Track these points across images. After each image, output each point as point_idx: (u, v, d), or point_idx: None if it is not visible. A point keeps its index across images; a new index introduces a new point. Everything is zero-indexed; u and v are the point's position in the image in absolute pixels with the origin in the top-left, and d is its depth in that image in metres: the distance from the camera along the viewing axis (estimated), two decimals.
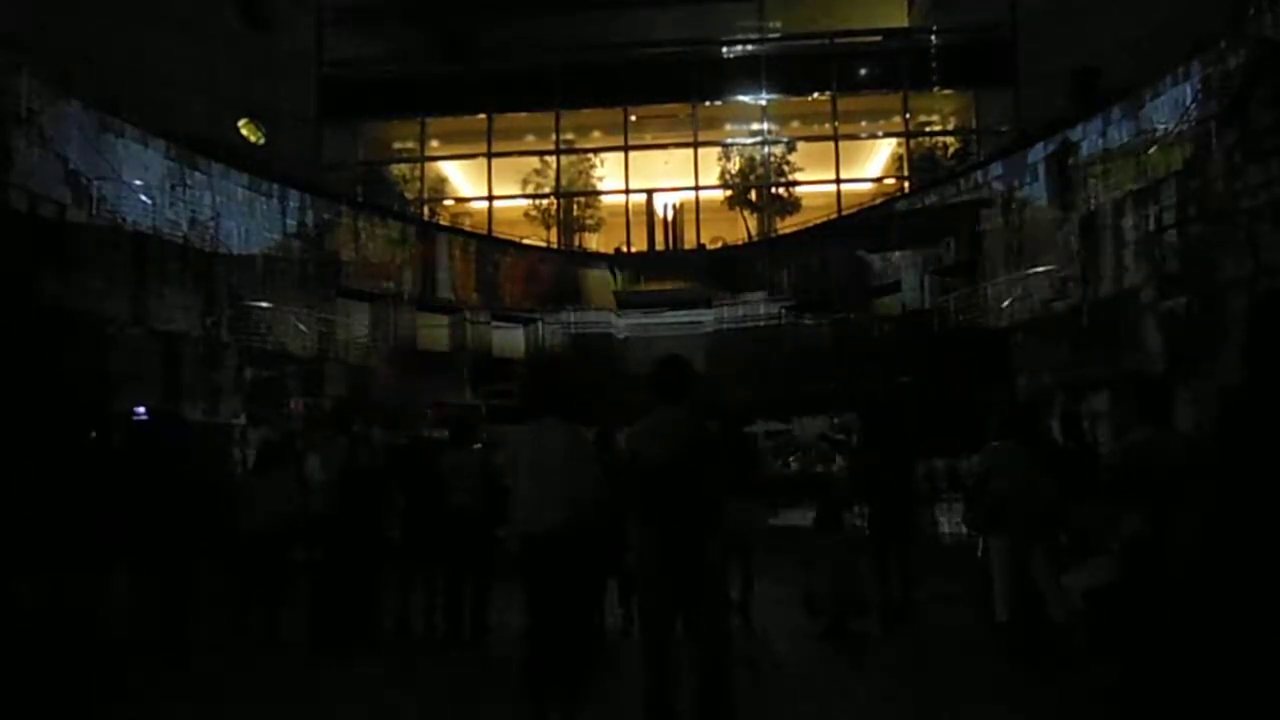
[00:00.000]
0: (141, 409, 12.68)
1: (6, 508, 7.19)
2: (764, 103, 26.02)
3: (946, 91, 25.42)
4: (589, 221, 26.69)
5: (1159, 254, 12.95)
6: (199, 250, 15.37)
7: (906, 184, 24.68)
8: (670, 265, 23.60)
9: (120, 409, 12.47)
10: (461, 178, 27.82)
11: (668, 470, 3.95)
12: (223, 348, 15.50)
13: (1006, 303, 16.51)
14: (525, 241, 24.06)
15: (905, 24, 26.60)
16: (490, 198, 26.36)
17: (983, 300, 17.24)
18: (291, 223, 17.64)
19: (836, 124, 25.63)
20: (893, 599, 7.03)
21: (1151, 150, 13.28)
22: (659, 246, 25.04)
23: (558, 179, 26.29)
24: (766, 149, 26.09)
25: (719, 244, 24.43)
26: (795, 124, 26.87)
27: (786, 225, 25.09)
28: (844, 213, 23.30)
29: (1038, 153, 16.13)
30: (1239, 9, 11.96)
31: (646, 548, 4.00)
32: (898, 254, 19.62)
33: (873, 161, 27.48)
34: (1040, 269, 15.65)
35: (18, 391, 10.10)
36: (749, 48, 26.24)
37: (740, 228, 25.89)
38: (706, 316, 22.20)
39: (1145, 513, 4.70)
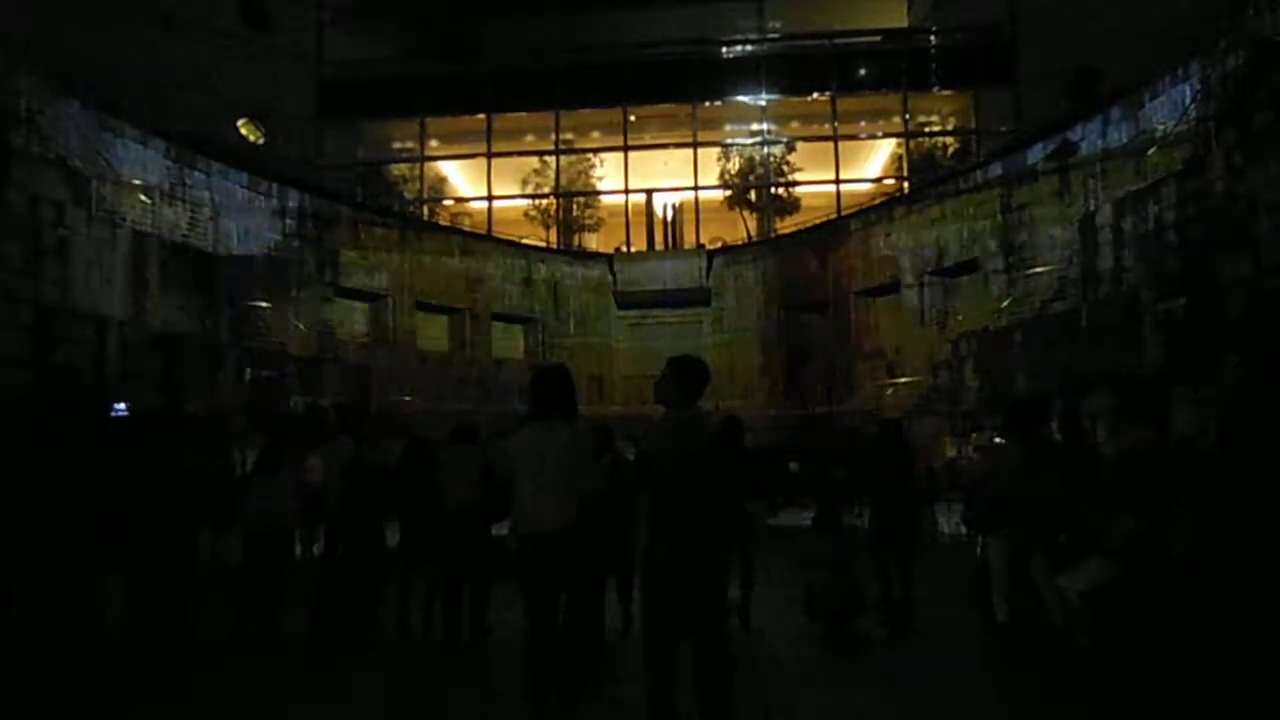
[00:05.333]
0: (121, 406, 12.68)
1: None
2: (764, 103, 26.02)
3: (946, 92, 25.42)
4: (588, 221, 26.69)
5: (1157, 254, 12.97)
6: (198, 249, 15.38)
7: (906, 184, 24.69)
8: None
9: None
10: (461, 177, 27.84)
11: (685, 472, 3.93)
12: (221, 347, 15.52)
13: (1006, 302, 16.53)
14: (525, 241, 24.07)
15: (905, 24, 26.59)
16: (490, 197, 26.36)
17: None
18: (291, 223, 17.64)
19: (836, 124, 25.62)
20: (895, 599, 7.01)
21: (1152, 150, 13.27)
22: (659, 246, 25.04)
23: (557, 179, 26.29)
24: (766, 149, 26.09)
25: (719, 244, 24.43)
26: (795, 124, 26.87)
27: (786, 225, 25.10)
28: (843, 213, 23.30)
29: (1037, 153, 16.14)
30: (1239, 9, 11.97)
31: (658, 548, 3.99)
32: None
33: (872, 161, 27.49)
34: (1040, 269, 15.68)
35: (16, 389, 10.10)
36: (749, 48, 26.24)
37: (740, 228, 25.90)
38: None
39: (1143, 513, 4.70)
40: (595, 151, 26.66)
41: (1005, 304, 16.52)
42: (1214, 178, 11.97)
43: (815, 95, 25.66)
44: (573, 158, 26.61)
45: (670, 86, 25.44)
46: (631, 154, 26.09)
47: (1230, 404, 3.22)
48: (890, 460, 7.36)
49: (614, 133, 26.31)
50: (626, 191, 25.88)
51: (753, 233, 25.56)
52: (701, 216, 25.51)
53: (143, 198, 14.29)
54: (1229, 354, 9.95)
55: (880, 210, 20.82)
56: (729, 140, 26.44)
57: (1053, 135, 15.76)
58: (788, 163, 26.07)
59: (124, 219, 13.86)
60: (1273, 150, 10.86)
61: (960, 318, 18.09)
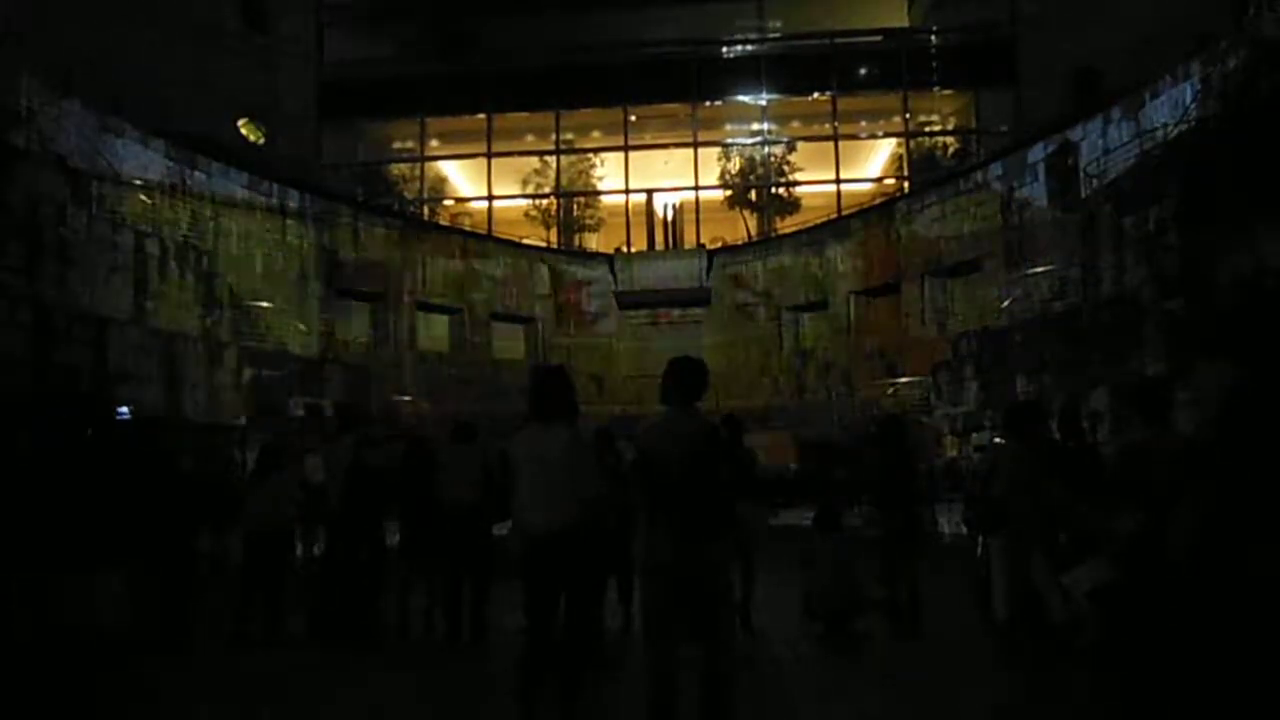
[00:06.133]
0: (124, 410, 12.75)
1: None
2: (764, 103, 26.02)
3: (946, 91, 25.41)
4: (589, 221, 26.68)
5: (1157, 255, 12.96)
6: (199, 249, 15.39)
7: (906, 184, 24.69)
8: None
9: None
10: (461, 177, 27.83)
11: (685, 472, 3.93)
12: (221, 347, 15.52)
13: (1006, 302, 16.53)
14: (525, 241, 24.07)
15: (905, 24, 26.58)
16: (490, 197, 26.36)
17: None
18: (291, 222, 17.64)
19: (836, 124, 25.62)
20: (903, 600, 6.96)
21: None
22: (659, 246, 25.04)
23: (557, 179, 26.29)
24: (766, 149, 26.09)
25: (719, 244, 24.43)
26: (795, 124, 26.87)
27: (786, 225, 25.10)
28: (844, 212, 23.30)
29: (1037, 153, 16.14)
30: (1239, 9, 11.97)
31: (658, 550, 3.98)
32: None
33: (873, 161, 27.48)
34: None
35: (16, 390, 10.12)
36: (749, 48, 26.24)
37: (740, 228, 25.90)
38: None
39: (1143, 513, 4.71)
40: (595, 151, 26.65)
41: (1005, 304, 16.51)
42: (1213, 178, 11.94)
43: (815, 95, 25.66)
44: (573, 158, 26.60)
45: (670, 86, 25.44)
46: (632, 154, 26.08)
47: (1224, 401, 3.23)
48: (891, 458, 7.33)
49: (614, 133, 26.31)
50: (627, 191, 25.87)
51: (753, 232, 25.56)
52: (701, 216, 25.49)
53: None
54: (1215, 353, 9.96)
55: (880, 210, 20.83)
56: (729, 140, 26.43)
57: (1053, 135, 15.76)
58: (788, 162, 26.06)
59: None
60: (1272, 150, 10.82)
61: (960, 317, 18.10)
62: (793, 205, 26.02)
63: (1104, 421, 12.88)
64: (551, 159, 26.32)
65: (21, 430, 9.01)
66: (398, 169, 26.82)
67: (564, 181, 26.31)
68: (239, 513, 7.44)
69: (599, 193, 26.55)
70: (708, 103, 26.21)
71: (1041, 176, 15.87)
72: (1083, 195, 14.83)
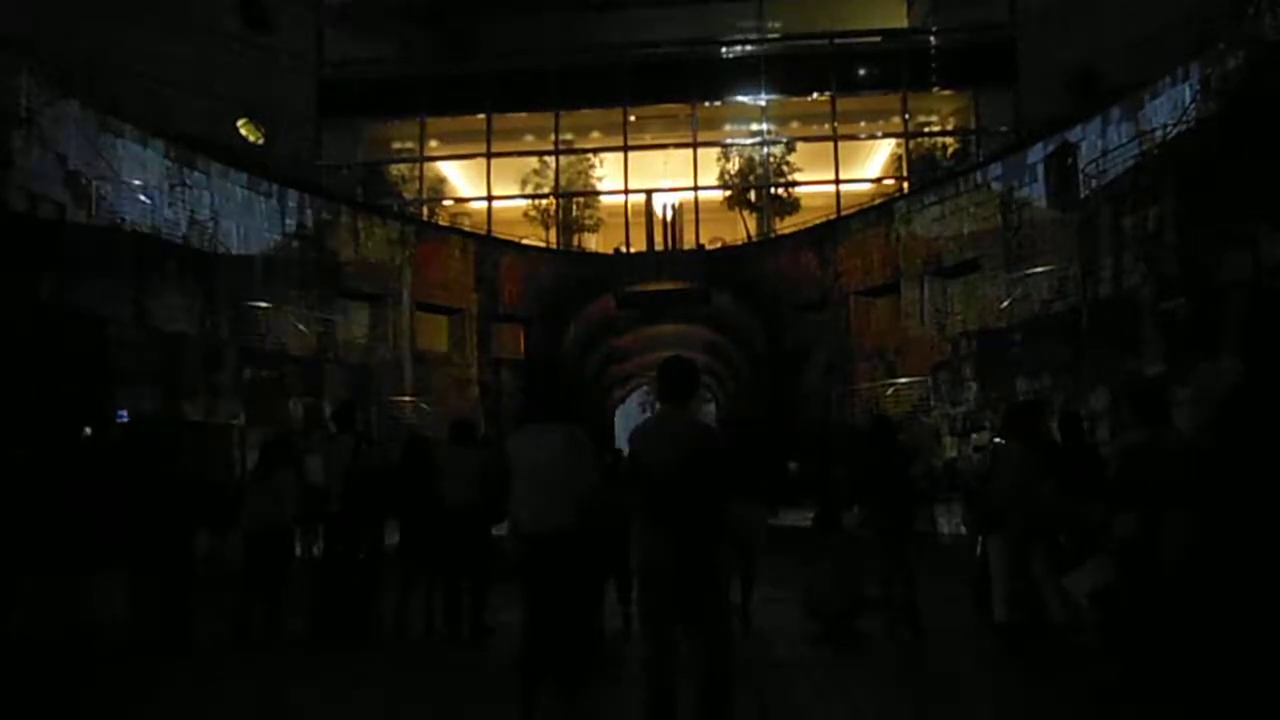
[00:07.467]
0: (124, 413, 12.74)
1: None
2: (763, 103, 26.03)
3: (946, 92, 25.44)
4: (588, 222, 26.69)
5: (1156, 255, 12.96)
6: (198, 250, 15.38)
7: (905, 184, 24.70)
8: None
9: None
10: (461, 178, 27.83)
11: (676, 473, 3.91)
12: (221, 347, 15.51)
13: (1006, 302, 16.53)
14: (525, 241, 24.06)
15: (905, 24, 26.61)
16: (489, 198, 26.37)
17: None
18: (291, 223, 17.64)
19: (836, 124, 25.63)
20: (902, 600, 6.93)
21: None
22: (658, 247, 25.04)
23: (557, 179, 26.30)
24: (766, 149, 26.10)
25: (718, 244, 24.43)
26: (795, 124, 26.88)
27: (786, 225, 25.11)
28: (843, 213, 23.30)
29: (1037, 153, 16.14)
30: (1239, 9, 11.97)
31: (653, 551, 3.97)
32: None
33: (872, 162, 27.49)
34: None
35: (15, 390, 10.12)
36: (749, 48, 26.27)
37: (739, 228, 25.90)
38: None
39: (1141, 514, 4.71)
40: (595, 151, 26.67)
41: (1005, 304, 16.51)
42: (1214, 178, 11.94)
43: (815, 95, 25.68)
44: (572, 158, 26.61)
45: (670, 86, 25.46)
46: (631, 154, 26.09)
47: (1223, 402, 3.23)
48: (877, 458, 7.29)
49: (614, 133, 26.32)
50: (626, 192, 25.88)
51: (752, 233, 25.57)
52: (701, 217, 25.50)
53: None
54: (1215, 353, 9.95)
55: (880, 210, 20.82)
56: (729, 140, 26.44)
57: (1053, 135, 15.76)
58: (787, 163, 26.07)
59: None
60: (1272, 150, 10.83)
61: (959, 317, 18.10)
62: (792, 205, 26.03)
63: (1104, 421, 12.88)
64: (551, 159, 26.34)
65: (22, 431, 9.01)
66: (397, 169, 26.84)
67: (563, 182, 26.31)
68: (239, 512, 7.42)
69: (598, 193, 26.56)
70: (707, 103, 26.22)
71: (1041, 176, 15.89)
72: (1082, 195, 14.83)
